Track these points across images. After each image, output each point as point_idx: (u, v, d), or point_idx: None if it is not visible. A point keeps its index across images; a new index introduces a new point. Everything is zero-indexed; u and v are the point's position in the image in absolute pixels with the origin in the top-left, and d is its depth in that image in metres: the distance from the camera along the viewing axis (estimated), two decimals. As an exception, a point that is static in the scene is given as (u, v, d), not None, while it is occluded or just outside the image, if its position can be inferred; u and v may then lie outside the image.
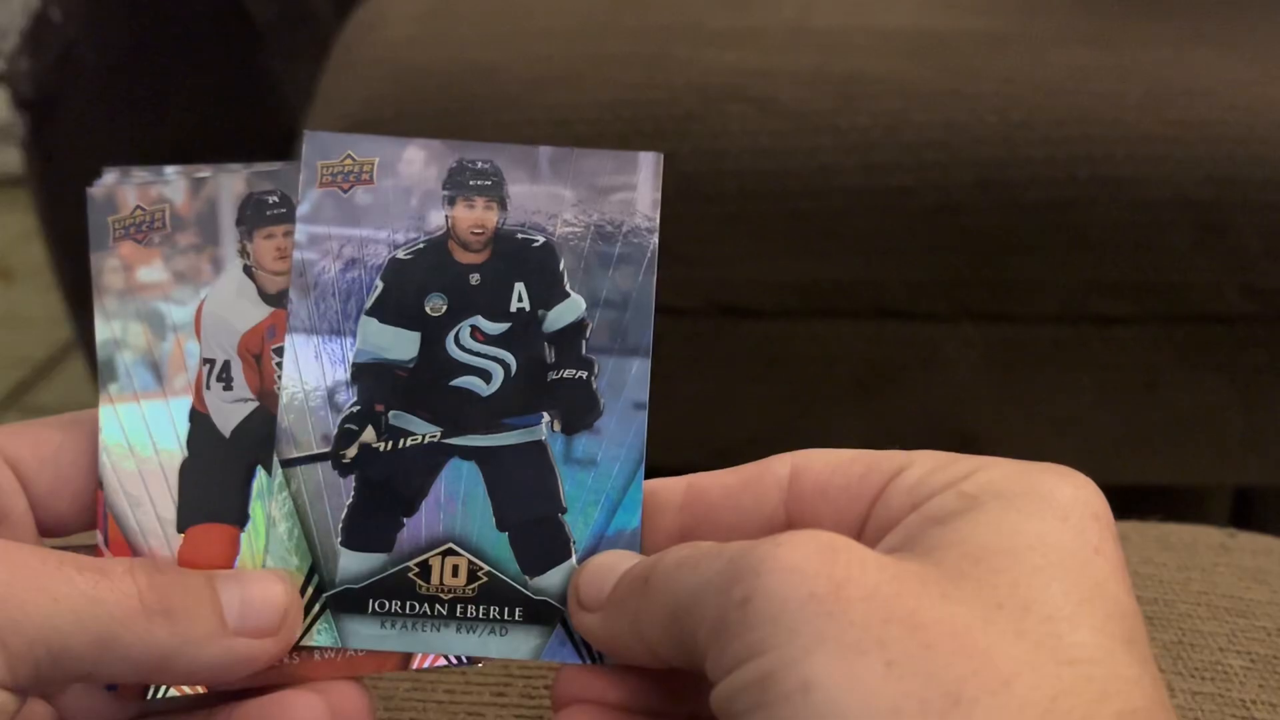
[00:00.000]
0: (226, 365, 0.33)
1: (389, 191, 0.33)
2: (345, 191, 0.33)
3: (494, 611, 0.31)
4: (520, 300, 0.32)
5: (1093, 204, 0.71)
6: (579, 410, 0.32)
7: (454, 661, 0.32)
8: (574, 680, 0.31)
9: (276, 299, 0.33)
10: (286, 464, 0.32)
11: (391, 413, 0.32)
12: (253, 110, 1.02)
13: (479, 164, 0.33)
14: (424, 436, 0.32)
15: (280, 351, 0.32)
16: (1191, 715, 0.38)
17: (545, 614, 0.31)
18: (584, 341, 0.32)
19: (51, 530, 0.32)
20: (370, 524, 0.32)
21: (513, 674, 0.40)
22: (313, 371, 0.32)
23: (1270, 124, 0.70)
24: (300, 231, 0.33)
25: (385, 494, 0.32)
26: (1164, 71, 0.73)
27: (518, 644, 0.31)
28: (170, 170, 0.34)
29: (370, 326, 0.32)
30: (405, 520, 0.32)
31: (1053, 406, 0.77)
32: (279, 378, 0.32)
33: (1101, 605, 0.25)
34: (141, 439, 0.32)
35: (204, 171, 0.34)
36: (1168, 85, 0.72)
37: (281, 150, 0.35)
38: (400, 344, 0.32)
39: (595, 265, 0.32)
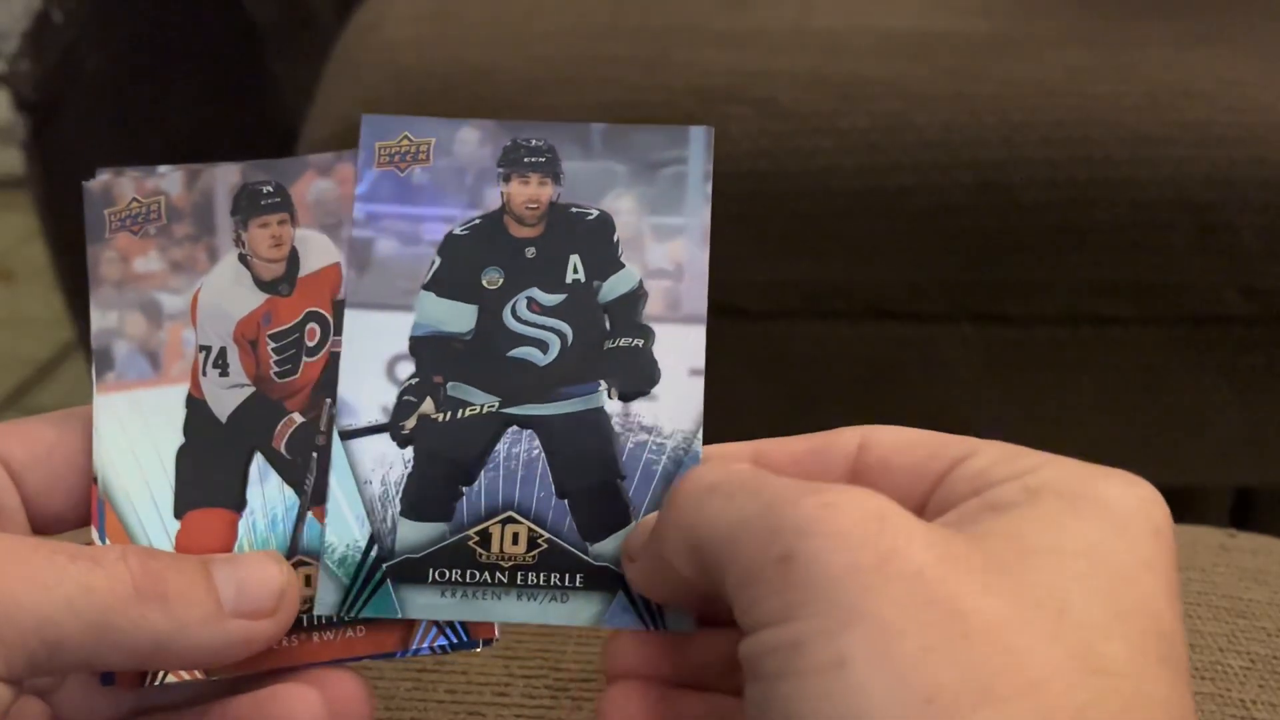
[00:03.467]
0: (223, 352, 0.33)
1: (445, 170, 0.34)
2: (402, 171, 0.34)
3: (554, 579, 0.31)
4: (575, 272, 0.33)
5: (1092, 205, 0.71)
6: (636, 378, 0.32)
7: (453, 641, 0.31)
8: (625, 650, 0.31)
9: (271, 286, 0.33)
10: (346, 436, 0.32)
11: (450, 384, 0.33)
12: (253, 112, 1.02)
13: (533, 142, 0.34)
14: (482, 407, 0.32)
15: (277, 337, 0.33)
16: (1191, 715, 0.38)
17: (606, 580, 0.31)
18: (640, 310, 0.33)
19: (46, 528, 0.32)
20: (429, 494, 0.32)
21: (513, 674, 0.40)
22: (371, 345, 0.33)
23: (1270, 125, 0.70)
24: (358, 210, 0.34)
25: (444, 464, 0.32)
26: (1164, 73, 0.73)
27: (578, 610, 0.31)
28: (165, 167, 0.34)
29: (428, 301, 0.33)
30: (464, 489, 0.32)
31: (1052, 407, 0.77)
32: (275, 363, 0.33)
33: (1140, 621, 0.25)
34: (138, 427, 0.32)
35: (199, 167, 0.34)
36: (1167, 87, 0.72)
37: (281, 151, 0.35)
38: (457, 317, 0.33)
39: (649, 237, 0.33)
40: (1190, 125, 0.70)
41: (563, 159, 0.34)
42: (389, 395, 0.33)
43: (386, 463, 0.32)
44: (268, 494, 0.32)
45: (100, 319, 0.33)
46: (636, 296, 0.33)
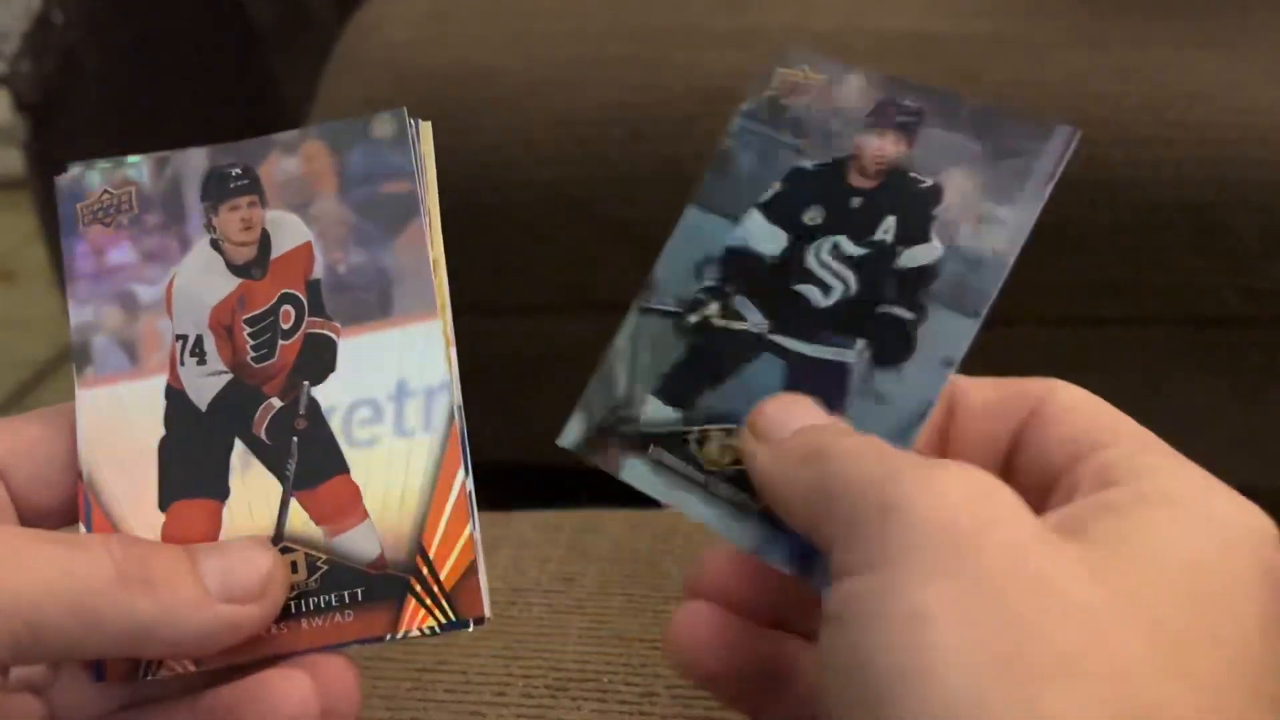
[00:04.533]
0: (199, 340, 0.33)
1: (821, 110, 0.36)
2: (786, 100, 0.36)
3: (740, 497, 0.32)
4: (886, 232, 0.34)
5: (1091, 206, 0.71)
6: (893, 348, 0.33)
7: (441, 623, 0.31)
8: (715, 570, 0.32)
9: (244, 270, 0.33)
10: (643, 310, 0.35)
11: (737, 297, 0.34)
12: (253, 112, 1.02)
13: (905, 101, 0.35)
14: (753, 325, 0.34)
15: (252, 321, 0.33)
16: (1190, 715, 0.38)
17: (779, 521, 0.32)
18: (927, 287, 0.33)
19: (34, 524, 0.32)
20: (683, 384, 0.34)
21: (513, 673, 0.40)
22: (694, 243, 0.35)
23: (1270, 126, 0.70)
24: (737, 123, 0.37)
25: (705, 362, 0.34)
26: (1163, 74, 0.73)
27: (744, 533, 0.32)
28: (135, 157, 0.34)
29: (754, 218, 0.35)
30: (709, 390, 0.34)
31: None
32: (251, 348, 0.33)
33: (1230, 646, 0.25)
34: (120, 420, 0.32)
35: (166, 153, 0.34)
36: (1167, 88, 0.72)
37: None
38: (771, 239, 0.35)
39: (971, 220, 0.34)
40: (1190, 126, 0.70)
41: (925, 125, 0.35)
42: (688, 289, 0.35)
43: (663, 343, 0.34)
44: (250, 482, 0.32)
45: (77, 314, 0.33)
46: (930, 273, 0.33)
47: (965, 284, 0.33)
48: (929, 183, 0.34)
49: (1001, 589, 0.24)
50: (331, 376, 0.33)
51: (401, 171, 0.33)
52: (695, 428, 0.33)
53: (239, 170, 0.34)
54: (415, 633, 0.31)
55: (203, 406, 0.33)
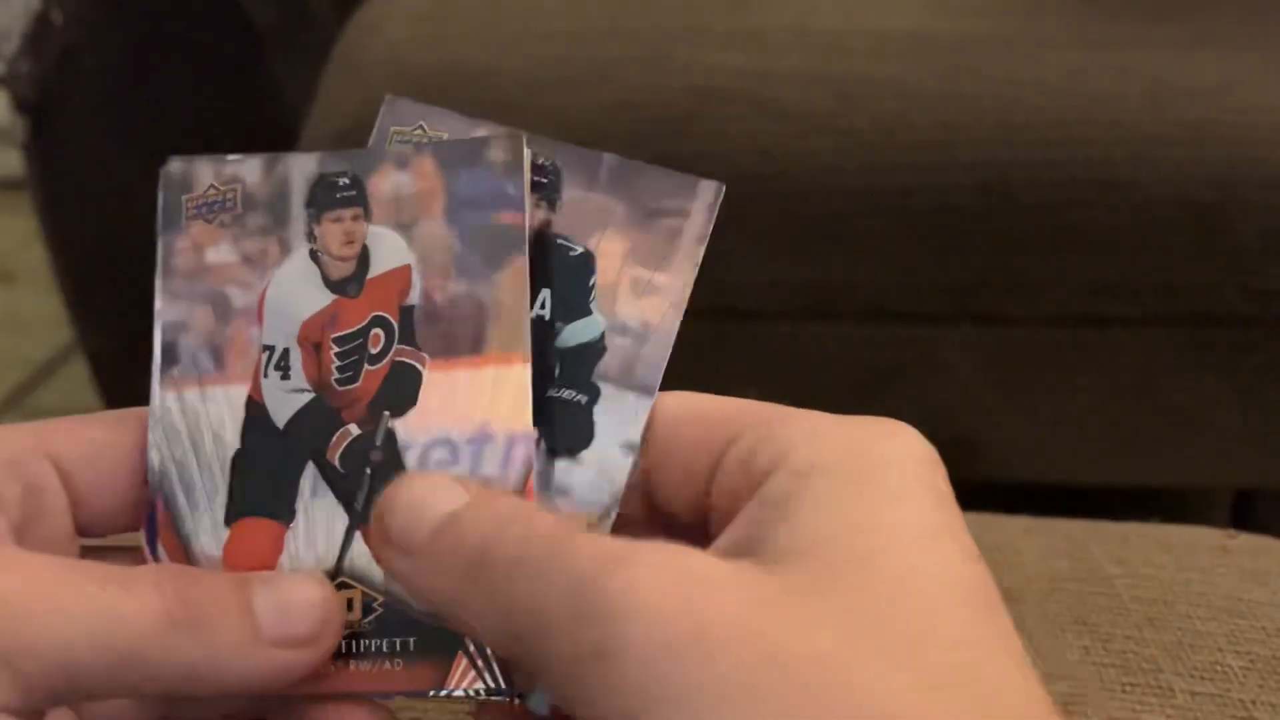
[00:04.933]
0: (285, 353, 0.31)
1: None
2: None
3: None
4: (543, 308, 0.31)
5: (1092, 206, 0.71)
6: (569, 436, 0.30)
7: (489, 687, 0.29)
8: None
9: (339, 286, 0.31)
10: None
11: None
12: (253, 112, 1.02)
13: (540, 160, 0.32)
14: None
15: (340, 341, 0.31)
16: (1191, 715, 0.38)
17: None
18: (594, 366, 0.31)
19: (94, 528, 0.31)
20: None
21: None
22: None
23: (1270, 126, 0.70)
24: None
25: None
26: (1164, 73, 0.73)
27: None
28: (240, 155, 0.32)
29: None
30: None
31: (1052, 408, 0.77)
32: (336, 369, 0.31)
33: (962, 603, 0.24)
34: (197, 427, 0.31)
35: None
36: (1167, 86, 0.72)
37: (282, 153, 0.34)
38: None
39: (626, 288, 0.31)
40: (1190, 125, 0.70)
41: (565, 185, 0.32)
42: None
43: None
44: (317, 508, 0.30)
45: (168, 311, 0.32)
46: (594, 350, 0.31)
47: (634, 359, 0.31)
48: (580, 250, 0.31)
49: (747, 689, 0.22)
50: (412, 410, 0.30)
51: (512, 201, 0.31)
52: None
53: (347, 180, 0.32)
54: (459, 693, 0.29)
55: (280, 424, 0.31)
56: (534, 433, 0.30)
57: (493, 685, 0.29)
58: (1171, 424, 0.76)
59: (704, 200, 0.32)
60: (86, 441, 0.31)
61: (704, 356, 0.78)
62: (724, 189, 0.32)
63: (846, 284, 0.75)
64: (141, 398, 0.32)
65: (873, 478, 0.26)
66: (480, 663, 0.29)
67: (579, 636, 0.23)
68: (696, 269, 0.31)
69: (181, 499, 0.31)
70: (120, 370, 1.01)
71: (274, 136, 0.93)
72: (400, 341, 0.31)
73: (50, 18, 0.95)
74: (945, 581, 0.24)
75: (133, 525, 0.31)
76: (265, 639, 0.27)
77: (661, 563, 0.24)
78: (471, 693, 0.29)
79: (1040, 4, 0.79)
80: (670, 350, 0.31)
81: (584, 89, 0.74)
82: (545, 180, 0.32)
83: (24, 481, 0.29)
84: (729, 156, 0.72)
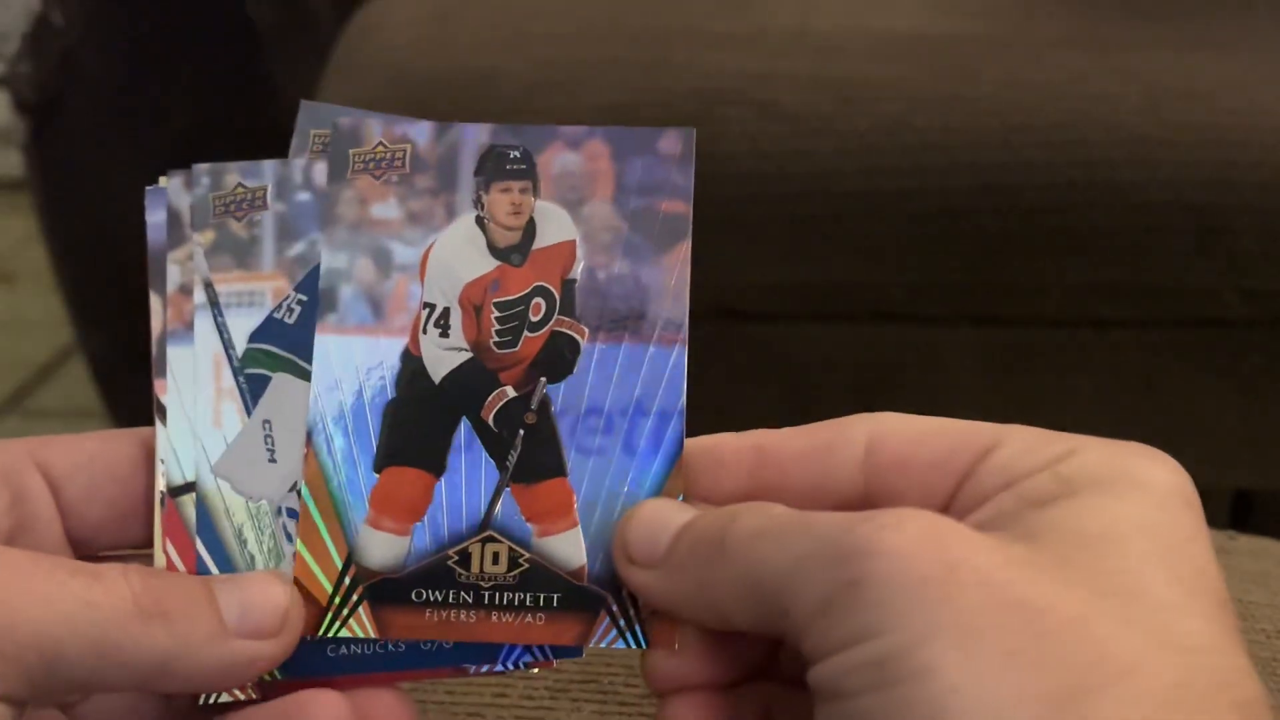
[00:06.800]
0: (446, 312, 0.33)
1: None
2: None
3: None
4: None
5: (1091, 207, 0.71)
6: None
7: (634, 647, 0.31)
8: (662, 668, 0.30)
9: (504, 254, 0.33)
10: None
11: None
12: (253, 113, 1.02)
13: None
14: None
15: (502, 306, 0.33)
16: (1190, 717, 0.38)
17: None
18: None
19: (85, 540, 0.31)
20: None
21: (513, 675, 0.40)
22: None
23: (1269, 128, 0.70)
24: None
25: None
26: (1162, 75, 0.73)
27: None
28: (411, 119, 0.34)
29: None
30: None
31: (1051, 410, 0.77)
32: (496, 332, 0.32)
33: (1208, 594, 0.25)
34: (350, 372, 0.32)
35: None
36: (1166, 89, 0.72)
37: (280, 154, 0.34)
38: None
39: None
40: (1190, 127, 0.71)
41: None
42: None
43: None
44: (469, 463, 0.32)
45: (330, 258, 0.33)
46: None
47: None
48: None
49: (991, 628, 0.24)
50: (569, 378, 0.32)
51: (681, 191, 0.33)
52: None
53: (518, 153, 0.33)
54: (602, 645, 0.31)
55: (436, 379, 0.32)
56: (684, 411, 0.32)
57: (634, 646, 0.31)
58: (1171, 425, 0.76)
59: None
60: (76, 452, 0.31)
61: (703, 359, 0.78)
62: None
63: (846, 285, 0.75)
64: (141, 398, 0.32)
65: (1135, 488, 0.27)
66: (623, 623, 0.31)
67: (833, 575, 0.25)
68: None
69: (329, 443, 0.32)
70: (120, 370, 1.01)
71: (274, 137, 0.93)
72: (560, 312, 0.33)
73: (50, 19, 0.95)
74: (1187, 582, 0.25)
75: (128, 537, 0.32)
76: (232, 630, 0.29)
77: (913, 515, 0.26)
78: (611, 645, 0.31)
79: (1040, 6, 0.79)
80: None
81: (584, 90, 0.74)
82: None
83: (12, 490, 0.30)
84: (728, 158, 0.72)
